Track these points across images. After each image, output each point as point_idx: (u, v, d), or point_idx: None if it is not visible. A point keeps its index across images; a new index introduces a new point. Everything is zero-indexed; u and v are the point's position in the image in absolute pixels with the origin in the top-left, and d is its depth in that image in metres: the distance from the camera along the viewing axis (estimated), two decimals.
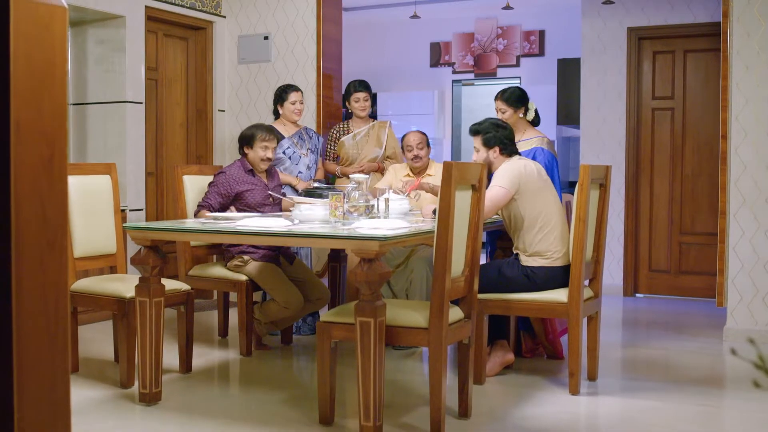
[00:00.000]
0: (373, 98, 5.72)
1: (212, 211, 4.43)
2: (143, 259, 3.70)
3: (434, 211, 4.02)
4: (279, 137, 5.02)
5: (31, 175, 1.40)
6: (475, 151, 4.22)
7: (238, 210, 4.56)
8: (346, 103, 5.60)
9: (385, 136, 5.52)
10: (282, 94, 5.29)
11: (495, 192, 3.99)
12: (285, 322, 4.78)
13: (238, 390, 4.27)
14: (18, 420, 1.37)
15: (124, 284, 4.08)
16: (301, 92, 5.35)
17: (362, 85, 5.49)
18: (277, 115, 5.36)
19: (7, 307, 1.37)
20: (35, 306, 1.42)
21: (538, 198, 4.04)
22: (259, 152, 4.62)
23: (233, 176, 4.61)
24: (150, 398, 3.72)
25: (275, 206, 4.69)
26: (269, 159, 4.66)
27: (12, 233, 1.36)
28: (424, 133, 5.14)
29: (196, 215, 4.53)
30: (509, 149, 4.15)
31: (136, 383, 3.88)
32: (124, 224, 3.94)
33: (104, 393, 3.94)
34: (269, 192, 4.59)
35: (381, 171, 5.44)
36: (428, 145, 5.11)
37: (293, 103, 5.25)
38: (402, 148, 5.17)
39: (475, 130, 4.20)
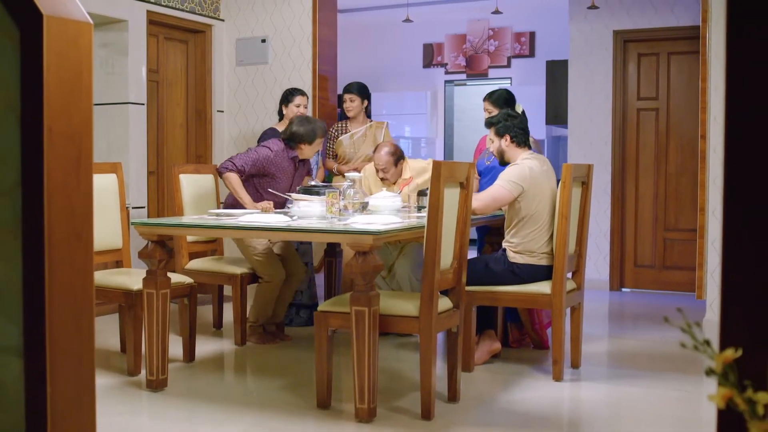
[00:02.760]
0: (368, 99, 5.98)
1: (241, 176, 4.77)
2: (150, 253, 3.90)
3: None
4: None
5: (60, 174, 1.57)
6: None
7: (264, 188, 4.85)
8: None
9: (381, 137, 5.75)
10: (288, 96, 5.57)
11: (499, 191, 4.19)
12: (278, 307, 5.05)
13: (240, 377, 4.49)
14: (50, 394, 1.56)
15: (131, 278, 4.29)
16: (307, 97, 5.61)
17: (350, 87, 5.79)
18: (281, 116, 5.61)
19: (40, 293, 1.56)
20: (65, 291, 1.59)
21: (539, 198, 4.23)
22: (316, 148, 5.00)
23: (276, 158, 4.88)
24: (156, 385, 3.93)
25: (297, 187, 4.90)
26: (318, 151, 5.14)
27: (45, 226, 1.55)
28: (391, 151, 5.06)
29: (225, 169, 4.77)
30: (519, 138, 4.34)
31: (143, 371, 4.10)
32: (132, 220, 4.14)
33: (112, 381, 4.14)
34: (289, 194, 4.77)
35: None
36: (401, 157, 5.10)
37: (297, 106, 5.51)
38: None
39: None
